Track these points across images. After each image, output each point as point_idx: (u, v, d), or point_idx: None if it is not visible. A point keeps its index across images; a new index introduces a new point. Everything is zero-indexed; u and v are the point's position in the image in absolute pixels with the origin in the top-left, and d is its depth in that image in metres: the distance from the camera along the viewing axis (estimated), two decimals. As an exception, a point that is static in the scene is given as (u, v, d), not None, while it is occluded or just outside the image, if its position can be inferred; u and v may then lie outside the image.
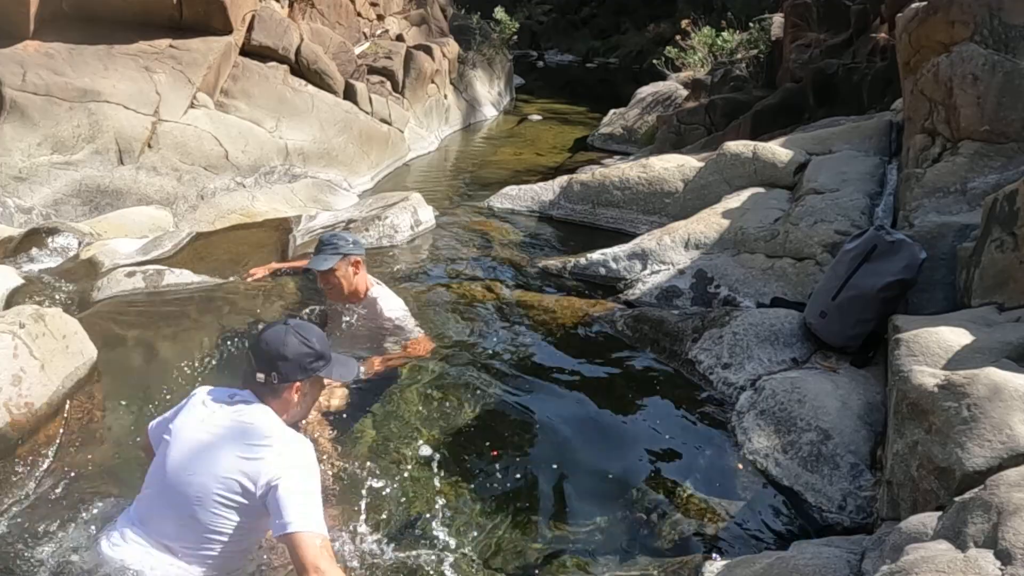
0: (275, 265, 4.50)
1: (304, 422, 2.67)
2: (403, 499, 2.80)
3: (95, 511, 2.61)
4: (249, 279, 4.34)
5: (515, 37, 18.15)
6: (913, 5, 5.00)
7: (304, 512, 2.05)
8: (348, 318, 3.67)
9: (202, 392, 2.38)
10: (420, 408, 3.38)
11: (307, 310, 3.86)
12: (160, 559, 2.15)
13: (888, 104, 7.04)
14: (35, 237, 5.10)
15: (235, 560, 2.23)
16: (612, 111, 12.63)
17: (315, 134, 8.83)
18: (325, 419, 3.12)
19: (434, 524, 2.68)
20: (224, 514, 2.14)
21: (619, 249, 4.99)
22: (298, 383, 2.35)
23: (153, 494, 2.23)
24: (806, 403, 3.14)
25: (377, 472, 2.86)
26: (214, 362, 3.59)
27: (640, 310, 4.28)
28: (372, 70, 11.17)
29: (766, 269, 4.51)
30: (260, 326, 2.80)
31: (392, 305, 3.70)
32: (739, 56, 11.66)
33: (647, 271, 4.81)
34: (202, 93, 7.99)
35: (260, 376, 2.31)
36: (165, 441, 2.27)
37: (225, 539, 2.16)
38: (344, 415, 3.20)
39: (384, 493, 2.78)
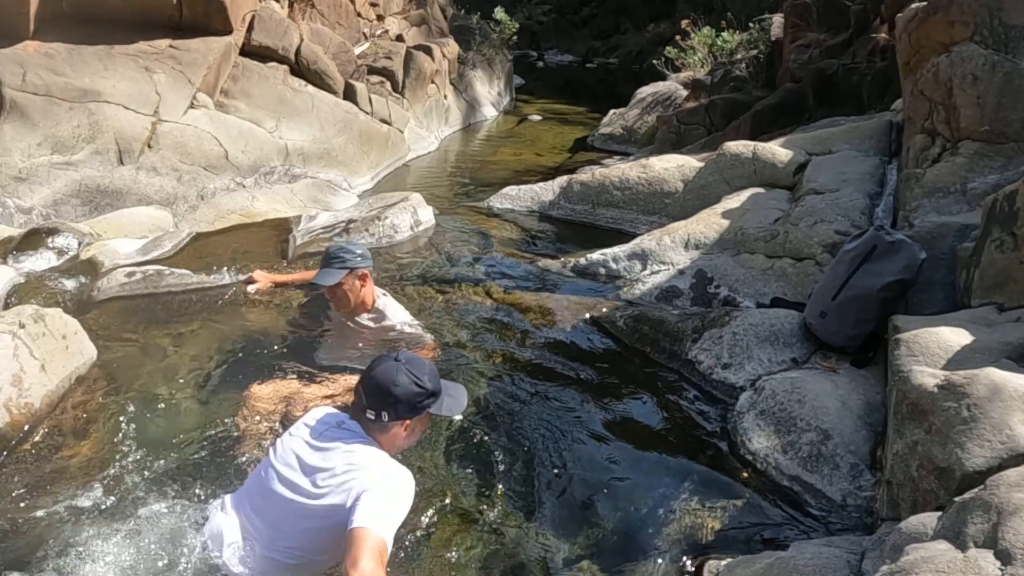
0: (277, 278, 4.27)
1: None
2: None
3: (95, 510, 2.61)
4: (250, 288, 4.17)
5: (515, 37, 18.14)
6: (913, 5, 5.00)
7: (379, 515, 2.06)
8: (355, 328, 3.64)
9: (316, 413, 2.45)
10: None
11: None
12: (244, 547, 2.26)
13: (888, 104, 7.04)
14: (35, 237, 5.10)
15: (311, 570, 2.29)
16: (612, 111, 12.63)
17: (315, 134, 8.83)
18: None
19: (433, 524, 2.68)
20: (313, 531, 2.21)
21: (619, 249, 4.99)
22: (408, 420, 2.37)
23: (252, 493, 2.35)
24: (806, 403, 3.14)
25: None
26: (214, 362, 3.60)
27: (640, 310, 4.28)
28: (372, 70, 11.17)
29: (766, 269, 4.51)
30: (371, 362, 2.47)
31: (400, 316, 3.69)
32: (739, 56, 11.66)
33: (647, 271, 4.81)
34: (202, 93, 7.99)
35: (371, 414, 2.34)
36: (274, 452, 2.36)
37: (306, 552, 2.24)
38: None
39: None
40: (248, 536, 2.27)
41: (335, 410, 2.48)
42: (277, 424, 3.07)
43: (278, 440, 2.41)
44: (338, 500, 2.15)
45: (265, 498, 2.29)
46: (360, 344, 3.63)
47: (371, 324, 3.64)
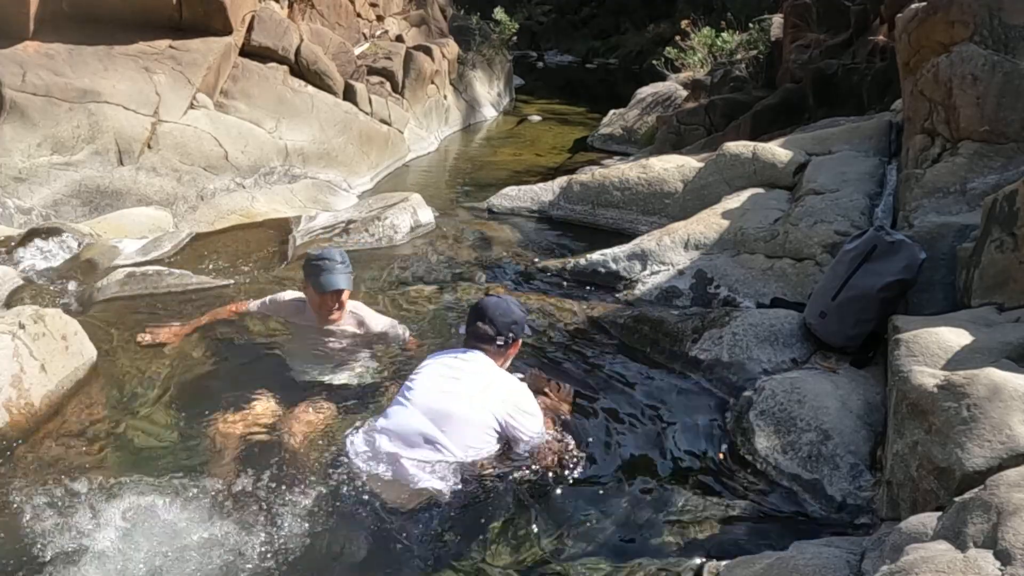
0: (179, 331, 3.75)
1: None
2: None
3: (95, 510, 2.61)
4: (146, 338, 3.69)
5: (515, 38, 18.13)
6: (913, 5, 5.00)
7: (527, 411, 2.89)
8: (337, 335, 3.56)
9: (439, 355, 3.01)
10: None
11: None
12: (411, 451, 2.71)
13: (888, 104, 7.04)
14: (35, 237, 5.10)
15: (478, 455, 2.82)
16: (612, 112, 12.63)
17: (315, 135, 8.83)
18: None
19: (431, 524, 2.68)
20: (483, 430, 2.80)
21: (619, 250, 4.99)
22: (519, 341, 3.07)
23: (410, 410, 2.79)
24: (806, 403, 3.14)
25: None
26: (214, 362, 3.60)
27: (640, 310, 4.28)
28: (372, 71, 11.16)
29: (766, 269, 4.51)
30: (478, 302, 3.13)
31: (374, 315, 3.67)
32: (739, 56, 11.65)
33: (647, 271, 4.81)
34: (202, 94, 7.99)
35: (500, 340, 2.97)
36: (418, 376, 2.89)
37: (478, 444, 2.80)
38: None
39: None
40: (419, 445, 2.73)
41: (452, 351, 3.03)
42: (276, 436, 3.06)
43: (421, 372, 2.91)
44: (497, 408, 2.81)
45: (436, 411, 2.77)
46: (341, 350, 3.57)
47: (356, 329, 3.58)
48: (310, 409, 3.17)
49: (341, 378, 3.47)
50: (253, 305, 3.77)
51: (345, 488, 2.72)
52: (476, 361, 2.94)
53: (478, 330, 2.99)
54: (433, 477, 2.69)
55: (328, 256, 3.42)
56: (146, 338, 3.69)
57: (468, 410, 2.79)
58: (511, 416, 2.83)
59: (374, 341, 3.64)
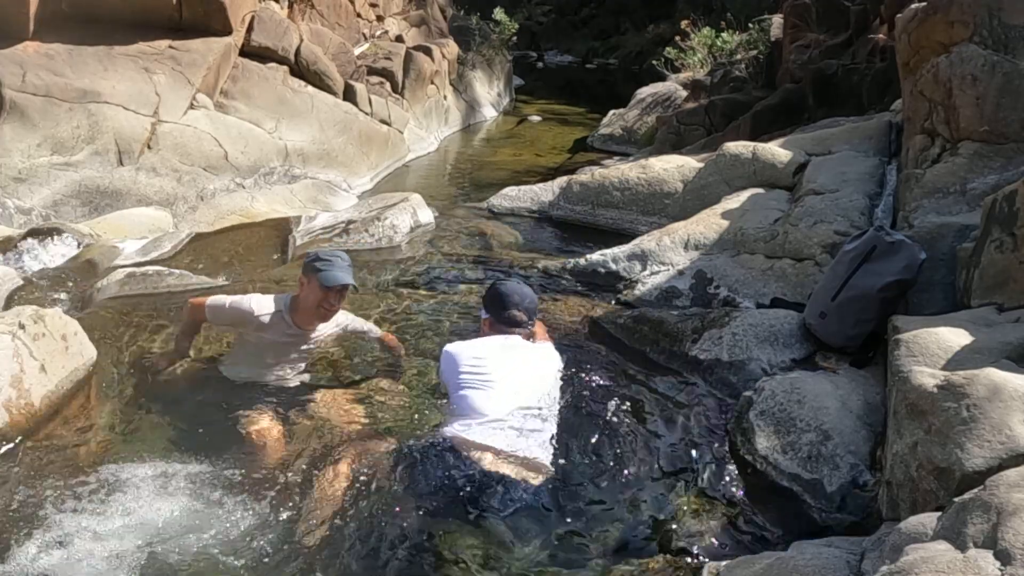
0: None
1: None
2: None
3: (95, 510, 2.61)
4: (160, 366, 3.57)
5: (515, 38, 18.11)
6: (913, 5, 5.00)
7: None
8: (317, 336, 3.54)
9: (484, 344, 3.17)
10: (417, 409, 3.38)
11: None
12: (507, 431, 2.91)
13: (888, 105, 7.04)
14: (35, 238, 5.10)
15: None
16: (612, 112, 12.62)
17: (315, 135, 8.83)
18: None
19: (430, 523, 2.68)
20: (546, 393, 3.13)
21: (619, 250, 4.99)
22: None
23: (493, 394, 2.97)
24: (805, 404, 3.13)
25: (371, 466, 2.86)
26: (214, 363, 3.59)
27: (640, 311, 4.28)
28: (372, 71, 11.16)
29: (766, 270, 4.51)
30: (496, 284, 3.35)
31: (348, 314, 3.68)
32: (739, 57, 11.65)
33: (647, 272, 4.80)
34: (202, 94, 7.99)
35: (531, 324, 3.28)
36: (484, 361, 3.05)
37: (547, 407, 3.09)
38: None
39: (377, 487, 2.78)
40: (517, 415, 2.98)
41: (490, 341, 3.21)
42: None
43: (485, 358, 3.07)
44: (549, 369, 3.26)
45: (520, 387, 3.03)
46: (313, 351, 3.57)
47: (335, 329, 3.60)
48: (344, 401, 3.25)
49: (334, 376, 3.49)
50: (209, 308, 3.43)
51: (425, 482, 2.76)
52: (523, 344, 3.23)
53: (513, 317, 3.21)
54: (546, 449, 2.95)
55: (336, 254, 3.42)
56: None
57: (544, 376, 3.20)
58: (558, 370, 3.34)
59: (344, 337, 3.66)
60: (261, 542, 2.55)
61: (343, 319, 3.62)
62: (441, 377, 3.18)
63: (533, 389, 3.08)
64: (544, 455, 2.90)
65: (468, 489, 2.70)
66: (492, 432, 2.87)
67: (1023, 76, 4.20)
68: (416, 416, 3.30)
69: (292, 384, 3.45)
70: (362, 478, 2.79)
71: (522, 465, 2.82)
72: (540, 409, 3.04)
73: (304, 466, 2.91)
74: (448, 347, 3.16)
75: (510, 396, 2.98)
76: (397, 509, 2.67)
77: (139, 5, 7.96)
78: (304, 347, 3.52)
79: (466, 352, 3.10)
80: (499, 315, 3.22)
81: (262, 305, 3.41)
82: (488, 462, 2.77)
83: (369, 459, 2.89)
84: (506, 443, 2.85)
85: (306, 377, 3.50)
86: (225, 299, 3.46)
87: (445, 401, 3.17)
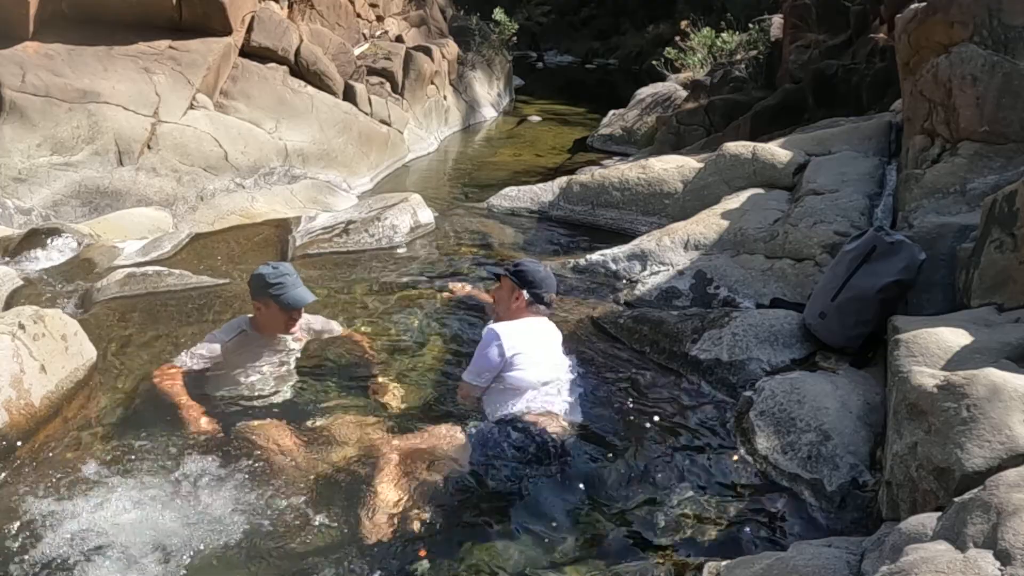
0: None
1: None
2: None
3: (95, 510, 2.61)
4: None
5: (514, 38, 18.05)
6: (912, 6, 5.00)
7: None
8: (288, 342, 3.59)
9: (521, 326, 3.44)
10: (418, 409, 3.38)
11: None
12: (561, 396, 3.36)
13: (887, 105, 7.04)
14: (35, 238, 5.10)
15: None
16: (611, 112, 12.62)
17: (314, 135, 8.83)
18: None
19: (430, 523, 2.68)
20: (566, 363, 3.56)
21: (619, 250, 4.99)
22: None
23: (541, 369, 3.36)
24: (805, 404, 3.14)
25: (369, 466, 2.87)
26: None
27: (640, 311, 4.28)
28: (371, 71, 11.16)
29: (765, 270, 4.51)
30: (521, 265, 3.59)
31: (307, 315, 3.71)
32: (738, 57, 11.65)
33: (647, 272, 4.81)
34: (201, 94, 7.99)
35: (553, 304, 3.67)
36: (528, 342, 3.37)
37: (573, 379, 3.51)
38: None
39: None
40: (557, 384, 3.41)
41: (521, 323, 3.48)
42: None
43: (522, 341, 3.34)
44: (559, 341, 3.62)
45: (554, 364, 3.45)
46: (292, 356, 3.61)
47: (307, 335, 3.69)
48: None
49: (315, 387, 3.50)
50: (194, 359, 3.39)
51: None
52: (548, 323, 3.62)
53: (547, 299, 3.58)
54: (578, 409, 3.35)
55: (287, 271, 3.42)
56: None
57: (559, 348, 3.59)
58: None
59: (312, 338, 3.72)
60: (262, 542, 2.55)
61: (304, 320, 3.66)
62: (489, 354, 3.30)
63: (562, 360, 3.54)
64: (578, 415, 3.33)
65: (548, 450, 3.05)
66: (549, 399, 3.29)
67: (1023, 76, 4.20)
68: (421, 409, 3.33)
69: (288, 386, 3.47)
70: (411, 477, 2.86)
71: (570, 424, 3.24)
72: (571, 376, 3.51)
73: (306, 465, 2.91)
74: (497, 328, 3.39)
75: (550, 369, 3.42)
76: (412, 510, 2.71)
77: (139, 6, 7.96)
78: (281, 349, 3.56)
79: (516, 335, 3.37)
80: (539, 297, 3.54)
81: (224, 333, 3.49)
82: (553, 426, 3.15)
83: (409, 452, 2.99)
84: (560, 407, 3.28)
85: (298, 381, 3.51)
86: (184, 355, 3.43)
87: (478, 379, 3.34)
